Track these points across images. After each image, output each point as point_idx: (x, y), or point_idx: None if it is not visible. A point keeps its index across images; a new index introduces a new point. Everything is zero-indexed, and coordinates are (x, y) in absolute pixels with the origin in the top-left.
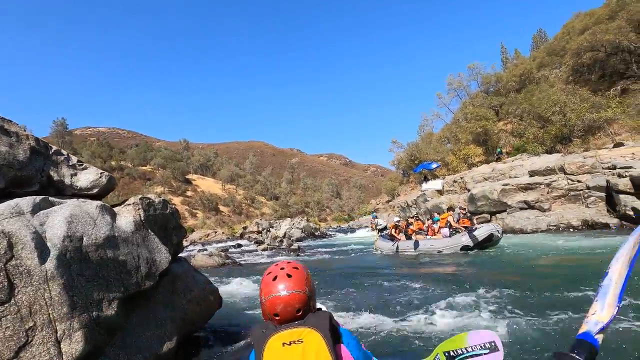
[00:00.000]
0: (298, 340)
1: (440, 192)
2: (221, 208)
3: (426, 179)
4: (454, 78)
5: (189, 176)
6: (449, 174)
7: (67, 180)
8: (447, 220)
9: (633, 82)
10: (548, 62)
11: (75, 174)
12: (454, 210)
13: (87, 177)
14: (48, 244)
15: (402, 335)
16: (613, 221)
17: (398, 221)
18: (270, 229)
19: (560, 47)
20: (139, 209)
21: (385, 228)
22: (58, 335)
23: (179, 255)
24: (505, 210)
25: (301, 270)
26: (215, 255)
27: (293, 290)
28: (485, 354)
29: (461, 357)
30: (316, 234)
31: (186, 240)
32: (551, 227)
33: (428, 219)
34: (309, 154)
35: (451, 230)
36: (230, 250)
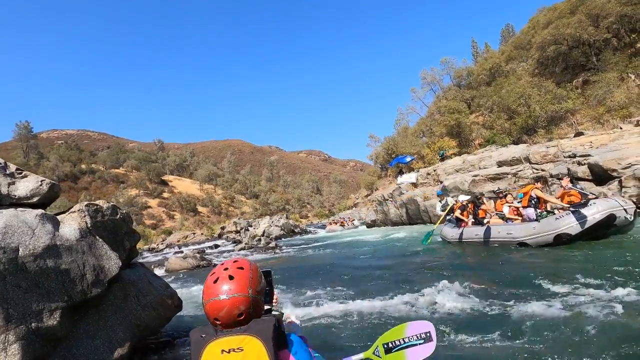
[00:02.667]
0: (238, 349)
1: (414, 185)
2: (200, 209)
3: (401, 173)
4: (428, 72)
5: (165, 177)
6: (425, 167)
7: (4, 190)
8: (532, 196)
9: (593, 74)
10: (515, 56)
11: (14, 183)
12: (545, 182)
13: (26, 185)
14: None
15: (358, 329)
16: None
17: (466, 200)
18: (249, 227)
19: (526, 41)
20: (84, 216)
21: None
22: None
23: (134, 260)
24: None
25: (246, 270)
26: (190, 257)
27: (234, 294)
28: (420, 344)
29: (398, 347)
30: (296, 231)
31: (163, 243)
32: None
33: (515, 197)
34: (287, 150)
35: (539, 210)
36: (207, 251)
